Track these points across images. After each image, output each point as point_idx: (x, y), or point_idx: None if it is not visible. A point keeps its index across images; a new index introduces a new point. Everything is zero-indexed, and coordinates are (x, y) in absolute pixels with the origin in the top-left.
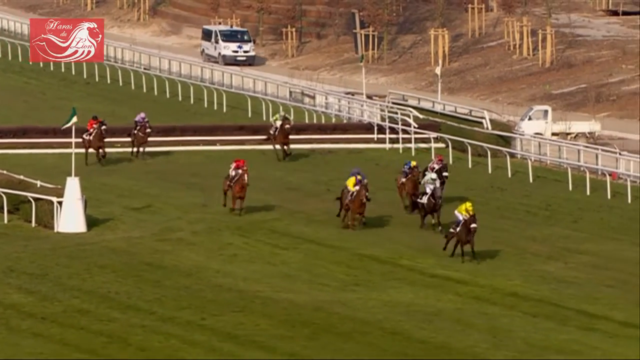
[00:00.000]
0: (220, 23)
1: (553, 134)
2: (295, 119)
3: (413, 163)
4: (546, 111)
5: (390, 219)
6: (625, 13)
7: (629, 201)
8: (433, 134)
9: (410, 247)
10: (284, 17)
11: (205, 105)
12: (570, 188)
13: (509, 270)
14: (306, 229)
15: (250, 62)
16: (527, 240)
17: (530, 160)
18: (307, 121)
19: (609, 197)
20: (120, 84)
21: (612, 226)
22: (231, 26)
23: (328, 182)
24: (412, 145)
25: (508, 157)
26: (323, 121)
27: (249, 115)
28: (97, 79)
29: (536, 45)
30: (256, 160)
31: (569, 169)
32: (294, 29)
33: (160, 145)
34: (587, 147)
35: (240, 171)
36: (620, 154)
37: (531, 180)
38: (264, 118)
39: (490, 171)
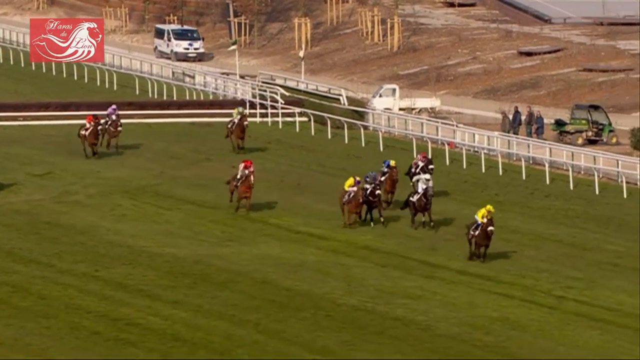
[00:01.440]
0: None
1: (400, 109)
2: (177, 96)
3: (392, 163)
4: (394, 89)
5: (261, 182)
6: (460, 5)
7: (464, 167)
8: (297, 109)
9: (278, 208)
10: (167, 6)
11: (98, 84)
12: (415, 156)
13: (362, 226)
14: (187, 192)
15: (200, 58)
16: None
17: (381, 131)
18: (187, 98)
19: (447, 163)
20: (22, 65)
21: (450, 188)
22: (182, 26)
23: (206, 152)
24: (280, 119)
25: (362, 129)
26: (202, 98)
27: (137, 92)
28: (1, 61)
29: (385, 33)
30: (142, 132)
31: (414, 139)
32: (176, 17)
33: (58, 119)
34: (429, 120)
35: (247, 172)
36: (457, 126)
37: (381, 149)
38: (150, 95)
39: (347, 141)
